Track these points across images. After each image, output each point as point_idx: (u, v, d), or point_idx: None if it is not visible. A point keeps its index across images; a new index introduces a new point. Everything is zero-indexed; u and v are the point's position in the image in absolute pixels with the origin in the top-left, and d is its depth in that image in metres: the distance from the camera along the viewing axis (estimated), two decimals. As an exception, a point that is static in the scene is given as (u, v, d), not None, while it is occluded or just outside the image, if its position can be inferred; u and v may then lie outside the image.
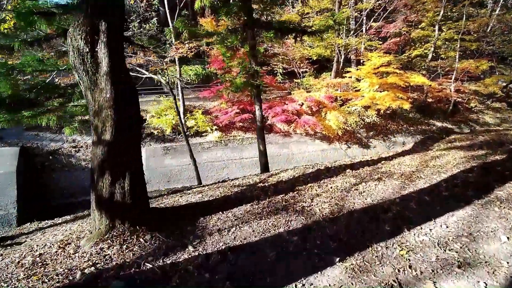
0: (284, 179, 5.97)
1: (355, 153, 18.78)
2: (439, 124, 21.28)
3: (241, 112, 19.49)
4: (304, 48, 24.37)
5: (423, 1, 21.96)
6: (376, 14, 22.52)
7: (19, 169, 13.89)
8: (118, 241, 4.63)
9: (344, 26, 20.32)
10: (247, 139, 18.90)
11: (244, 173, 17.12)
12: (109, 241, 4.66)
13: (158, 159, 17.03)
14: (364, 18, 22.16)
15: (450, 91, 21.35)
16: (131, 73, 9.82)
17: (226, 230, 4.92)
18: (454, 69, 21.22)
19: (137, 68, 10.16)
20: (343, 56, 21.09)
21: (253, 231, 4.61)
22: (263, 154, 10.02)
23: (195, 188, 7.47)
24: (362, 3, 19.82)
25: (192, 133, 18.73)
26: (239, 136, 19.20)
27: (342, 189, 5.54)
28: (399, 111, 20.58)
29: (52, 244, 5.00)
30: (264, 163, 10.35)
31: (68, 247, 4.82)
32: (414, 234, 4.23)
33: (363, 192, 5.34)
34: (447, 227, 4.35)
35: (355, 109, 19.72)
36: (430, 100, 22.90)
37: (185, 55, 12.97)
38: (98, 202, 4.96)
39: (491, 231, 4.11)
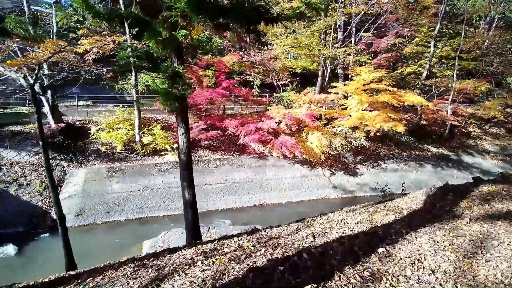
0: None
1: (340, 181, 16.07)
2: (434, 149, 18.92)
3: (209, 128, 16.62)
4: (288, 60, 21.96)
5: (416, 16, 20.02)
6: (366, 26, 20.37)
7: None
8: None
9: (331, 37, 17.99)
10: (214, 161, 15.94)
11: (206, 203, 14.08)
12: None
13: (100, 183, 13.82)
14: (353, 29, 19.94)
15: (447, 113, 19.12)
16: None
17: None
18: (451, 90, 19.08)
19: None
20: (329, 70, 18.66)
21: None
22: (190, 207, 6.52)
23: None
24: (352, 8, 17.50)
25: (148, 152, 15.64)
26: (205, 156, 16.23)
27: None
28: (390, 133, 18.12)
29: None
30: (192, 224, 6.65)
31: None
32: None
33: None
34: None
35: (341, 130, 17.13)
36: (424, 122, 20.61)
37: (99, 51, 9.91)
38: None
39: None
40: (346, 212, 5.22)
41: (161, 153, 15.77)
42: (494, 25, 24.07)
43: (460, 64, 19.56)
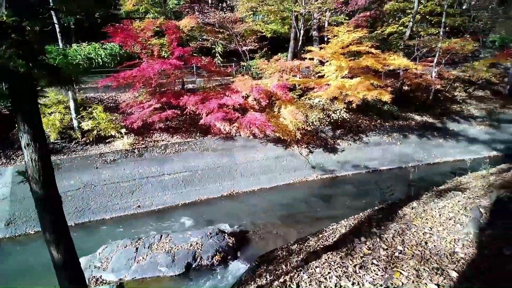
0: None
1: (318, 160, 14.25)
2: (418, 118, 17.38)
3: (166, 107, 14.02)
4: (255, 22, 19.18)
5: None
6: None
7: None
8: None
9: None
10: (172, 146, 13.57)
11: (164, 198, 11.85)
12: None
13: (29, 182, 11.16)
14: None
15: (431, 77, 17.37)
16: None
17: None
18: (436, 50, 17.21)
19: None
20: (302, 32, 16.14)
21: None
22: (66, 277, 3.89)
23: None
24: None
25: (91, 139, 12.97)
26: (162, 141, 13.79)
27: None
28: (371, 102, 16.23)
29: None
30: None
31: None
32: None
33: None
34: None
35: (319, 102, 15.02)
36: (406, 88, 18.88)
37: None
38: None
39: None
40: (341, 258, 3.15)
41: (107, 140, 13.17)
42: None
43: (446, 22, 17.53)
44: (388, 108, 17.08)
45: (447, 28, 17.36)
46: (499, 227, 3.16)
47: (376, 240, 3.54)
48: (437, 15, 17.99)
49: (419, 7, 17.54)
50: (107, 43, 17.38)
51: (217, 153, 13.72)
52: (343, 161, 14.46)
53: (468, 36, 17.70)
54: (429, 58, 18.40)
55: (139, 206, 11.37)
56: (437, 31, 17.64)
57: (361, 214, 5.08)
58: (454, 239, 3.05)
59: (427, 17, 18.86)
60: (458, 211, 3.72)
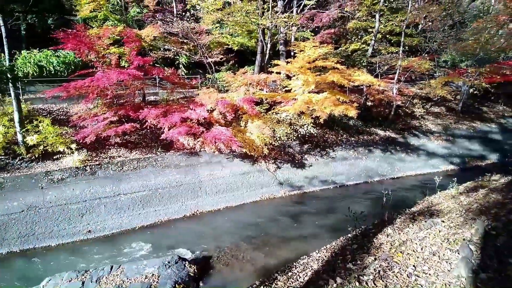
0: None
1: (286, 176, 13.89)
2: (381, 132, 17.75)
3: (124, 120, 13.00)
4: (222, 35, 18.80)
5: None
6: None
7: None
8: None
9: (270, 4, 15.18)
10: (130, 162, 12.49)
11: (120, 220, 10.74)
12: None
13: (-43, 207, 9.63)
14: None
15: (393, 93, 17.94)
16: None
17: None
18: (396, 68, 17.85)
19: None
20: (269, 46, 15.98)
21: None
22: None
23: None
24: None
25: (37, 156, 11.57)
26: (118, 157, 12.66)
27: None
28: (338, 117, 16.31)
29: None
30: None
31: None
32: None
33: None
34: None
35: (286, 116, 14.78)
36: (369, 104, 19.35)
37: None
38: None
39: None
40: None
41: (55, 157, 11.82)
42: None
43: (405, 41, 18.35)
44: (353, 123, 17.34)
45: (406, 47, 18.18)
46: (493, 269, 2.82)
47: (354, 284, 3.07)
48: (397, 35, 18.79)
49: (380, 27, 18.22)
50: (61, 50, 16.11)
51: (180, 170, 12.85)
52: (311, 177, 14.22)
53: (426, 55, 18.64)
54: (390, 75, 19.08)
55: (89, 231, 10.18)
56: (396, 50, 18.37)
57: (333, 243, 4.64)
58: (445, 284, 2.67)
59: (388, 36, 19.67)
60: (441, 244, 3.41)
